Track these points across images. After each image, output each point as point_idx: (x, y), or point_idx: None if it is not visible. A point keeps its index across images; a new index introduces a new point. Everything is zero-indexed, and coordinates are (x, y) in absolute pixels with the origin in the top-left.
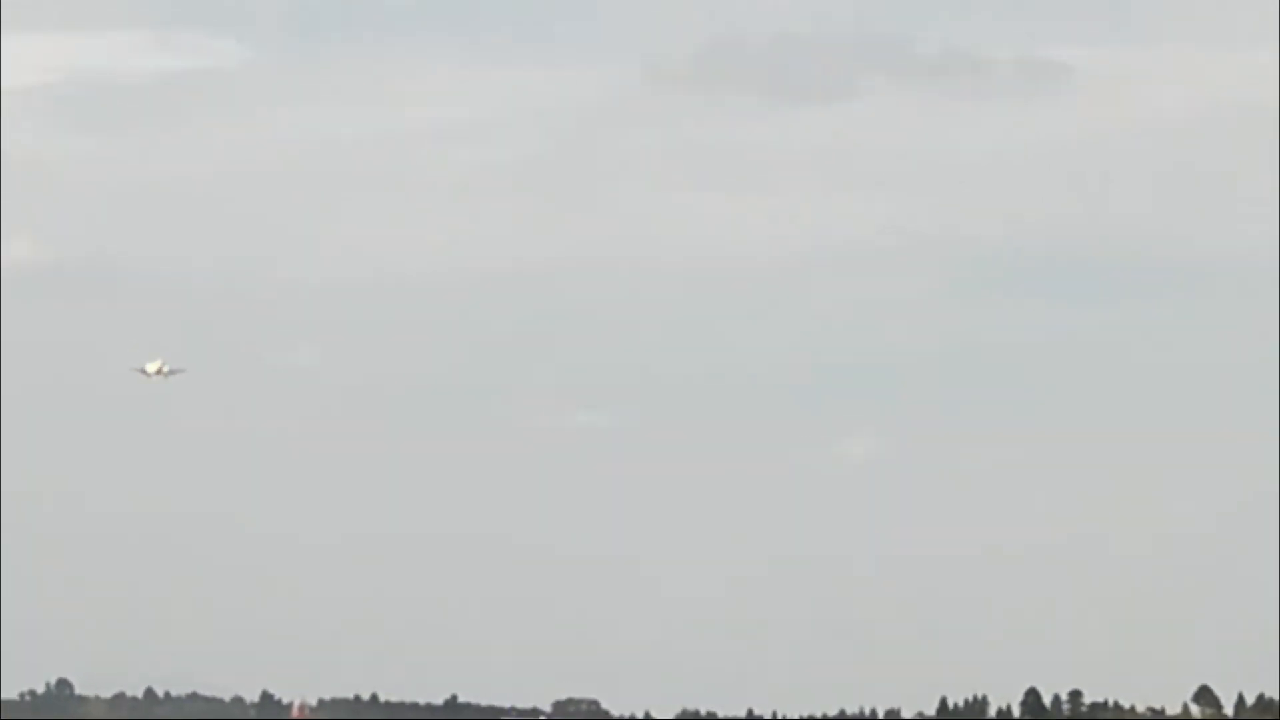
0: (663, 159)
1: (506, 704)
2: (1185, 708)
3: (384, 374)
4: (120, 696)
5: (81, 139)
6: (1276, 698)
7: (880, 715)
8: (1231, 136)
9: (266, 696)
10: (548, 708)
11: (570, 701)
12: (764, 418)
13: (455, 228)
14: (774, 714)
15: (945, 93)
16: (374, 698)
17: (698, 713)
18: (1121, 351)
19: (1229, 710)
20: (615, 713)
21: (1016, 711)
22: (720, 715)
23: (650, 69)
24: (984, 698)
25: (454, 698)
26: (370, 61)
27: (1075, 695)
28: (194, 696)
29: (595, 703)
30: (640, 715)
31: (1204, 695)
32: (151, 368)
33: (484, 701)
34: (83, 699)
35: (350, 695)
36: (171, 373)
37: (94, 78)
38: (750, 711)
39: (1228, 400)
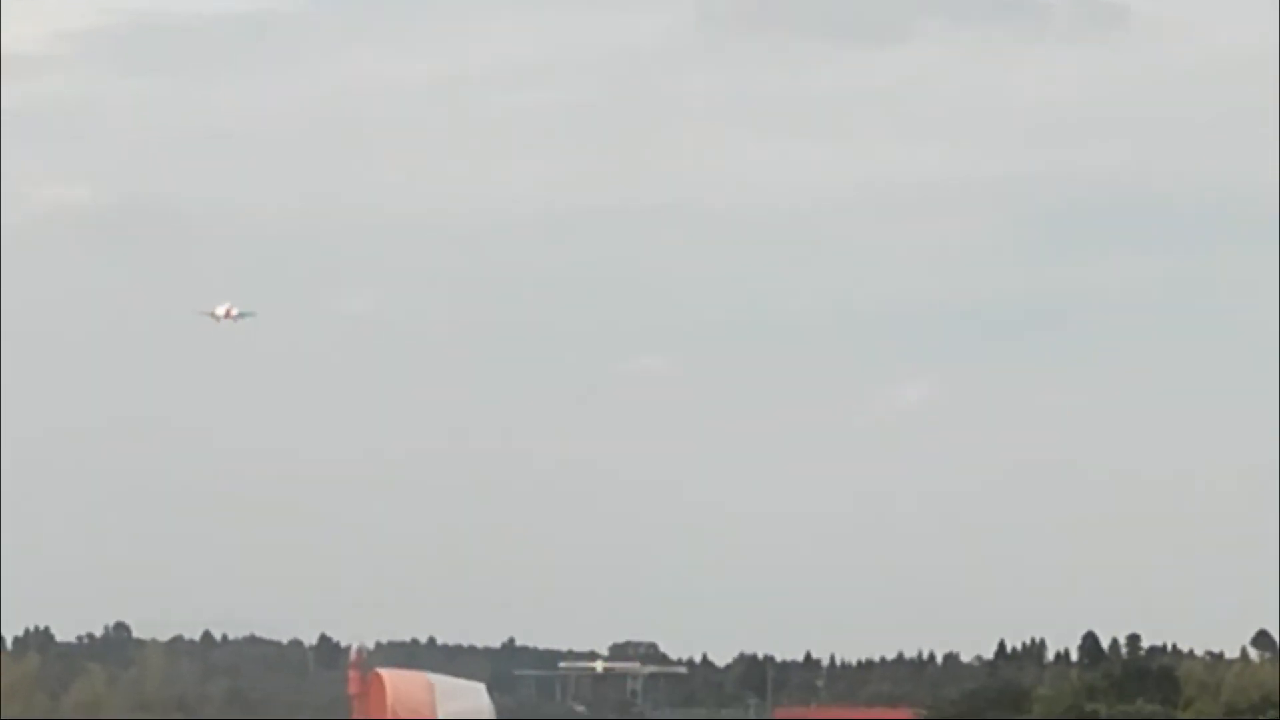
0: (719, 103)
1: (564, 647)
2: (1244, 651)
3: (443, 317)
4: (178, 639)
5: (140, 81)
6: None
7: (938, 658)
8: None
9: (325, 640)
10: (605, 651)
11: (629, 644)
12: (820, 362)
13: (514, 170)
14: (831, 657)
15: (1003, 35)
16: (431, 641)
17: (755, 656)
18: (1185, 301)
19: None
20: (673, 656)
21: (1074, 655)
22: (778, 658)
23: (705, 13)
24: (1042, 641)
25: (511, 641)
26: (424, 6)
27: (1133, 639)
28: (252, 639)
29: (653, 645)
30: (698, 659)
31: (1262, 639)
32: (220, 310)
33: (541, 645)
34: (140, 642)
35: (408, 639)
36: (241, 316)
37: (152, 20)
38: (809, 655)
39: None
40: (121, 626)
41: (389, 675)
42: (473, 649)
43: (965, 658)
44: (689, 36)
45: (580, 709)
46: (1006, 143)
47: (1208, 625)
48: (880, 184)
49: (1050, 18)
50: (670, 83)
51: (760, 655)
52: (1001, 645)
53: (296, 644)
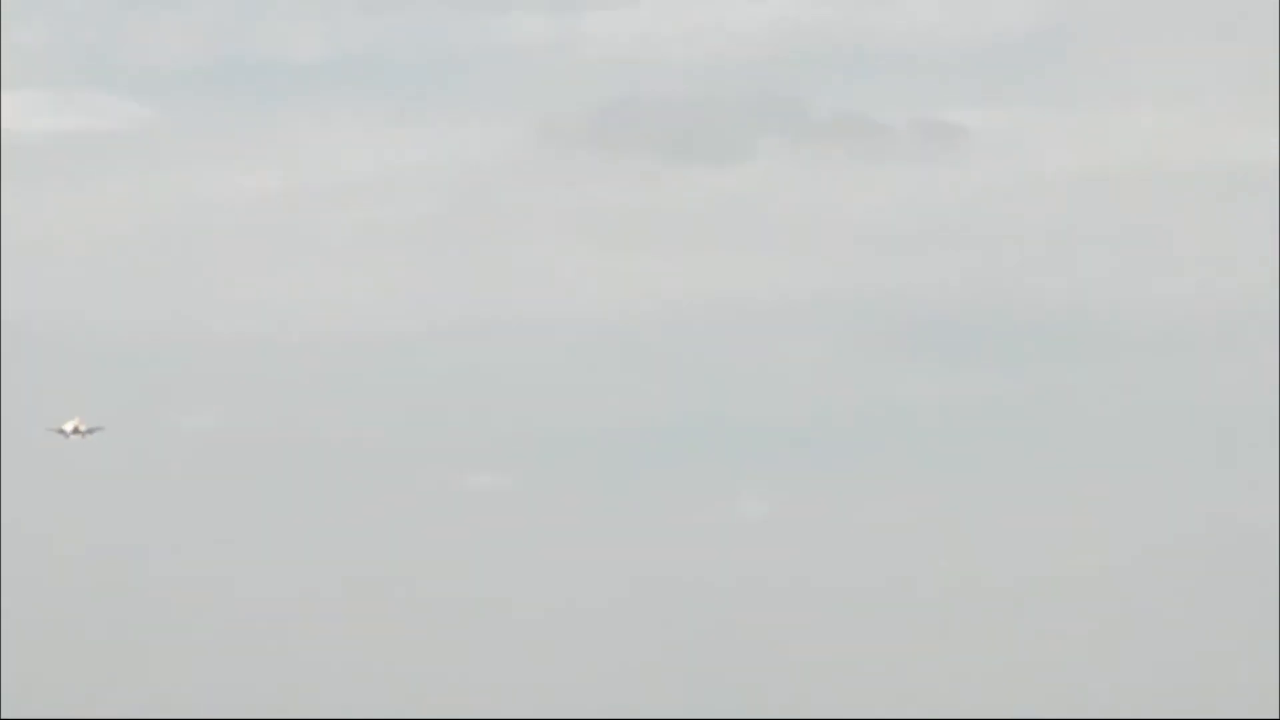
0: (560, 218)
1: None
2: None
3: (285, 434)
4: None
5: None
6: None
7: None
8: (1132, 197)
9: None
10: None
11: None
12: (663, 477)
13: (354, 287)
14: None
15: (842, 154)
16: None
17: None
18: (1022, 413)
19: None
20: None
21: None
22: None
23: (546, 128)
24: None
25: None
26: (269, 121)
27: None
28: None
29: None
30: None
31: None
32: (69, 426)
33: None
34: None
35: None
36: (90, 431)
37: None
38: None
39: (1132, 459)
40: None
41: None
42: None
43: None
44: (531, 152)
45: None
46: (846, 259)
47: None
48: (719, 299)
49: (889, 137)
50: (511, 198)
51: None
52: None
53: None
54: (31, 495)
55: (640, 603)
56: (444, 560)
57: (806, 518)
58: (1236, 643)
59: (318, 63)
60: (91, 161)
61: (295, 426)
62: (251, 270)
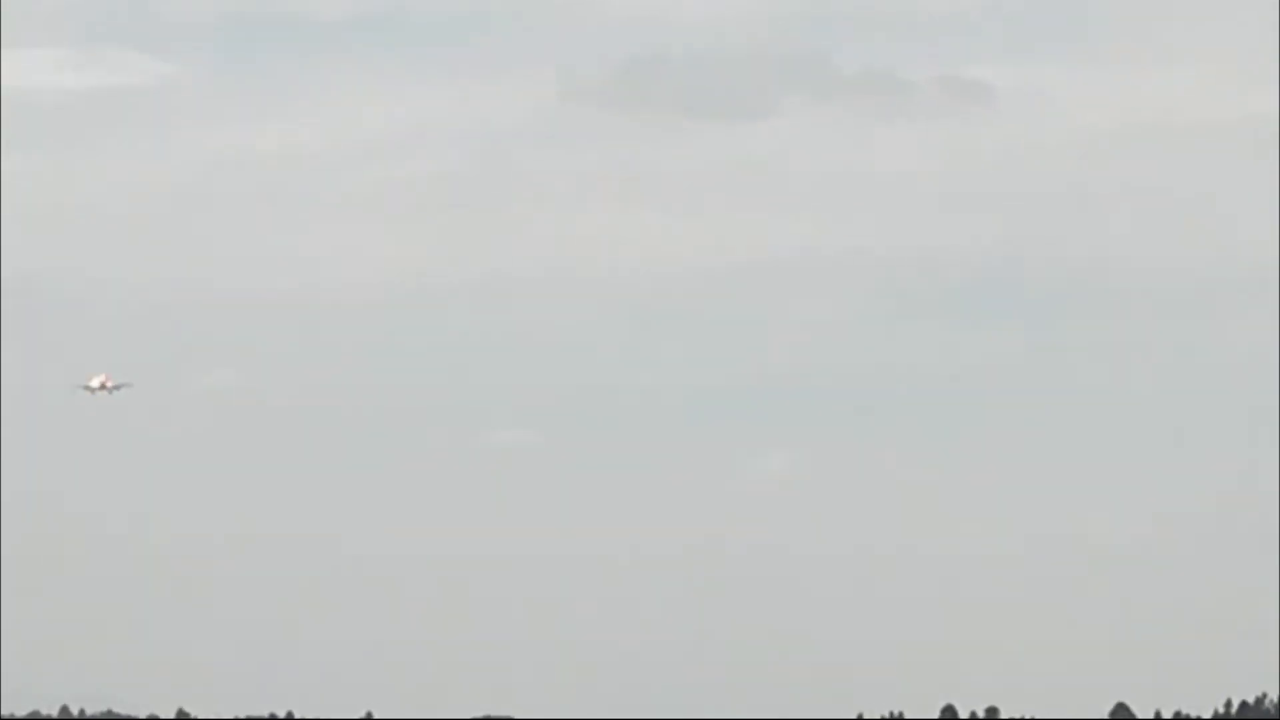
0: (580, 177)
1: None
2: None
3: (306, 391)
4: (35, 715)
5: (3, 158)
6: (1194, 715)
7: None
8: (1154, 156)
9: (182, 714)
10: None
11: (488, 719)
12: (688, 433)
13: (375, 244)
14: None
15: (866, 111)
16: (289, 715)
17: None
18: (1048, 373)
19: None
20: None
21: None
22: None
23: (569, 85)
24: (900, 714)
25: (369, 715)
26: (290, 78)
27: (992, 711)
28: (110, 715)
29: None
30: None
31: (1120, 710)
32: (95, 382)
33: (399, 717)
34: None
35: (265, 714)
36: (116, 388)
37: (15, 97)
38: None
39: (1156, 423)
40: None
41: None
42: None
43: None
44: (553, 108)
45: None
46: (869, 217)
47: (1067, 697)
48: (743, 258)
49: (914, 94)
50: (534, 155)
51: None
52: (860, 718)
53: (154, 719)
54: (49, 453)
55: (662, 557)
56: (468, 514)
57: (830, 474)
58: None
59: (340, 19)
60: (113, 118)
61: (317, 384)
62: (271, 227)
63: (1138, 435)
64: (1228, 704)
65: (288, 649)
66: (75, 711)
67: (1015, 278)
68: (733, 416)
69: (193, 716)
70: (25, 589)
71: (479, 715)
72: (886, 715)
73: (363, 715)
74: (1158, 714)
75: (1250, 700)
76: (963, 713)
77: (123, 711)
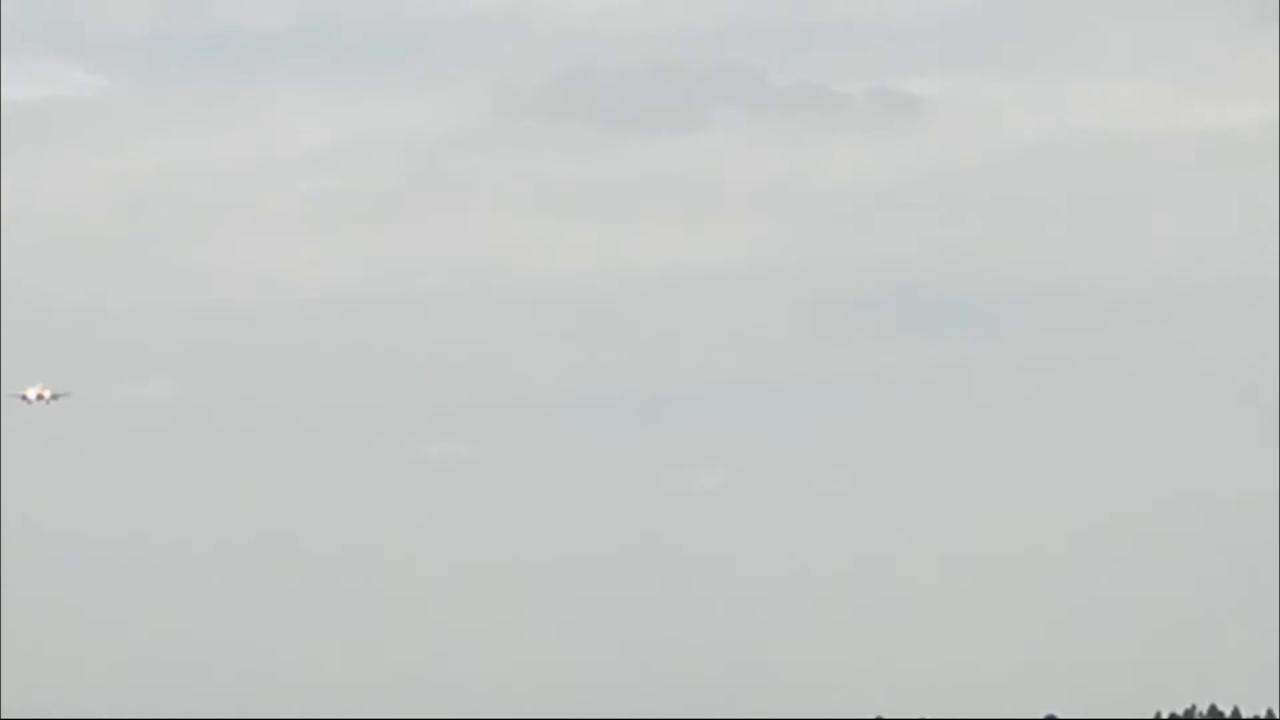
0: (514, 189)
1: None
2: None
3: (243, 401)
4: None
5: None
6: None
7: None
8: (1087, 166)
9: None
10: None
11: None
12: (621, 445)
13: (310, 255)
14: None
15: (799, 124)
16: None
17: None
18: (985, 382)
19: None
20: None
21: None
22: None
23: (502, 98)
24: None
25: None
26: (226, 91)
27: None
28: None
29: None
30: None
31: None
32: (32, 393)
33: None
34: None
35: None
36: (55, 397)
37: None
38: None
39: (1082, 431)
40: None
41: None
42: None
43: None
44: (487, 121)
45: None
46: (802, 228)
47: (1001, 708)
48: (675, 268)
49: (847, 106)
50: (467, 166)
51: None
52: None
53: None
54: None
55: (599, 567)
56: (403, 527)
57: (764, 486)
58: (1201, 615)
59: (275, 32)
60: (48, 130)
61: (251, 394)
62: (205, 238)
63: (1076, 443)
64: (1157, 715)
65: (221, 654)
66: None
67: (951, 288)
68: (667, 428)
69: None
70: None
71: (418, 717)
72: None
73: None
74: None
75: (1179, 713)
76: None
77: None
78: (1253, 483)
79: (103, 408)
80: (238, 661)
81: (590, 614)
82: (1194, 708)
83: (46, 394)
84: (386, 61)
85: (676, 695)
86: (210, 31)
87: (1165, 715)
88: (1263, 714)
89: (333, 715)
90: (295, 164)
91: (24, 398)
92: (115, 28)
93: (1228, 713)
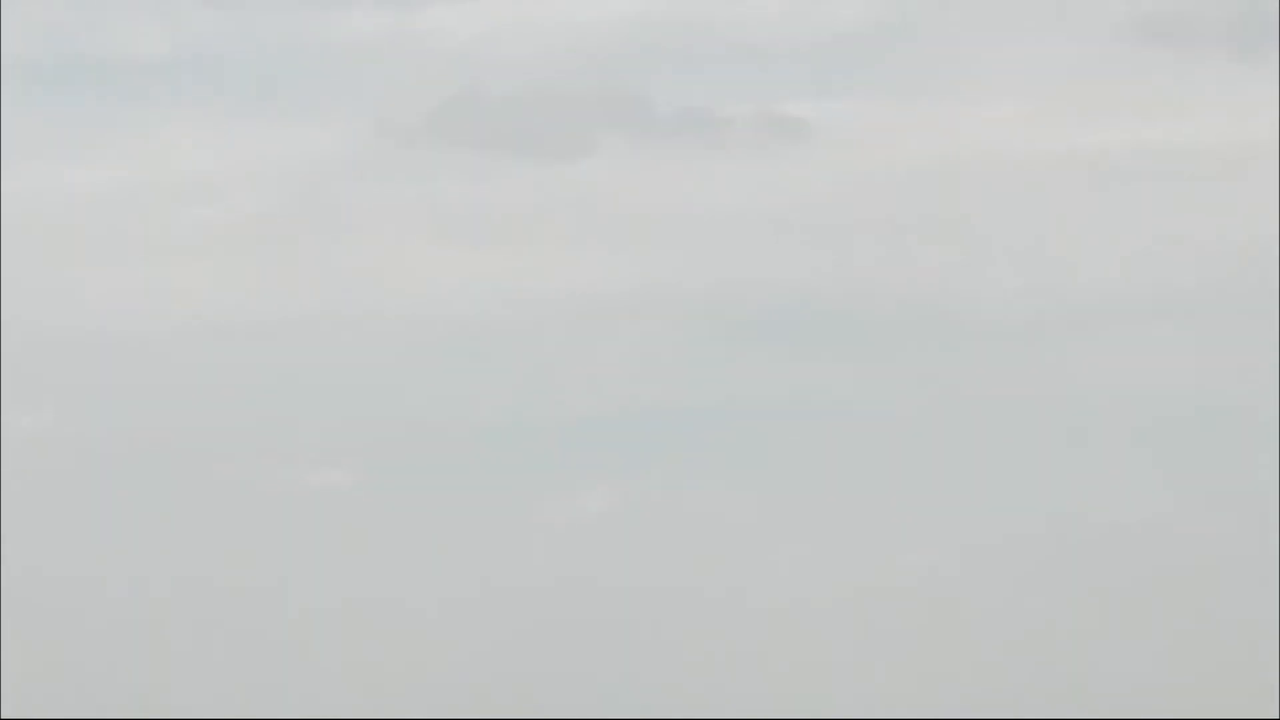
0: (399, 214)
1: None
2: None
3: (121, 433)
4: None
5: None
6: None
7: None
8: (975, 189)
9: None
10: None
11: None
12: (504, 472)
13: (192, 284)
14: None
15: (684, 148)
16: None
17: None
18: (866, 408)
19: None
20: None
21: None
22: None
23: (385, 125)
24: None
25: None
26: (107, 119)
27: None
28: None
29: None
30: None
31: None
32: None
33: None
34: None
35: None
36: None
37: None
38: None
39: (971, 456)
40: None
41: None
42: None
43: None
44: (370, 148)
45: None
46: (688, 253)
47: None
48: (560, 295)
49: (732, 130)
50: (350, 194)
51: None
52: None
53: None
54: None
55: (479, 600)
56: (283, 558)
57: (647, 514)
58: (1076, 642)
59: (157, 60)
60: None
61: (133, 423)
62: (89, 266)
63: (968, 467)
64: None
65: (89, 688)
66: None
67: (837, 311)
68: (551, 453)
69: None
70: None
71: None
72: None
73: None
74: None
75: None
76: None
77: None
78: (1140, 508)
79: None
80: (105, 696)
81: (474, 644)
82: None
83: None
84: (269, 88)
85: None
86: (93, 58)
87: None
88: None
89: None
90: (177, 191)
91: None
92: None
93: None
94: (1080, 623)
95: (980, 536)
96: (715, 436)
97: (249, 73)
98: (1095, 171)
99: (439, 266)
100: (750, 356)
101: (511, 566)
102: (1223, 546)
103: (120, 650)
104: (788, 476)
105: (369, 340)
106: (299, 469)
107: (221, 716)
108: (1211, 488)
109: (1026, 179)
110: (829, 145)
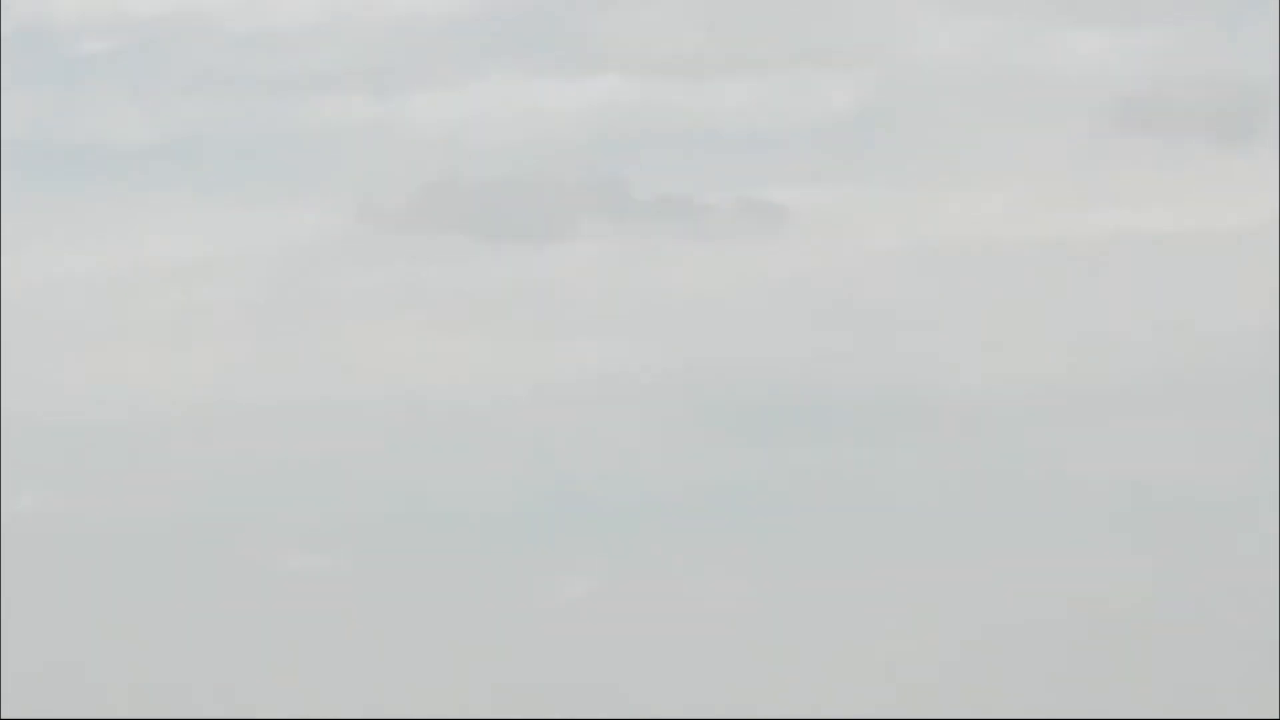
0: (382, 300)
1: None
2: None
3: (103, 517)
4: None
5: None
6: None
7: None
8: (954, 276)
9: None
10: None
11: None
12: (487, 559)
13: (174, 370)
14: None
15: (663, 234)
16: None
17: None
18: (848, 493)
19: None
20: None
21: None
22: None
23: (368, 210)
24: None
25: None
26: (89, 205)
27: None
28: None
29: None
30: None
31: None
32: None
33: None
34: None
35: None
36: None
37: None
38: None
39: (946, 542)
40: None
41: None
42: None
43: None
44: (353, 233)
45: None
46: (667, 338)
47: None
48: (542, 380)
49: (712, 217)
50: (333, 279)
51: None
52: None
53: None
54: None
55: (463, 683)
56: (262, 640)
57: (630, 599)
58: None
59: (138, 146)
60: None
61: (114, 509)
62: (71, 352)
63: (942, 552)
64: None
65: None
66: None
67: (816, 397)
68: (534, 541)
69: None
70: None
71: None
72: None
73: None
74: None
75: None
76: None
77: None
78: (1123, 590)
79: None
80: None
81: None
82: None
83: None
84: (250, 173)
85: None
86: (75, 144)
87: None
88: None
89: None
90: (160, 277)
91: None
92: None
93: None
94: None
95: (958, 626)
96: (693, 521)
97: (230, 158)
98: (1077, 259)
99: (419, 350)
100: (728, 441)
101: (493, 650)
102: (1214, 636)
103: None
104: (769, 562)
105: (350, 425)
106: (281, 554)
107: None
108: (1201, 574)
109: (1005, 266)
110: (808, 232)
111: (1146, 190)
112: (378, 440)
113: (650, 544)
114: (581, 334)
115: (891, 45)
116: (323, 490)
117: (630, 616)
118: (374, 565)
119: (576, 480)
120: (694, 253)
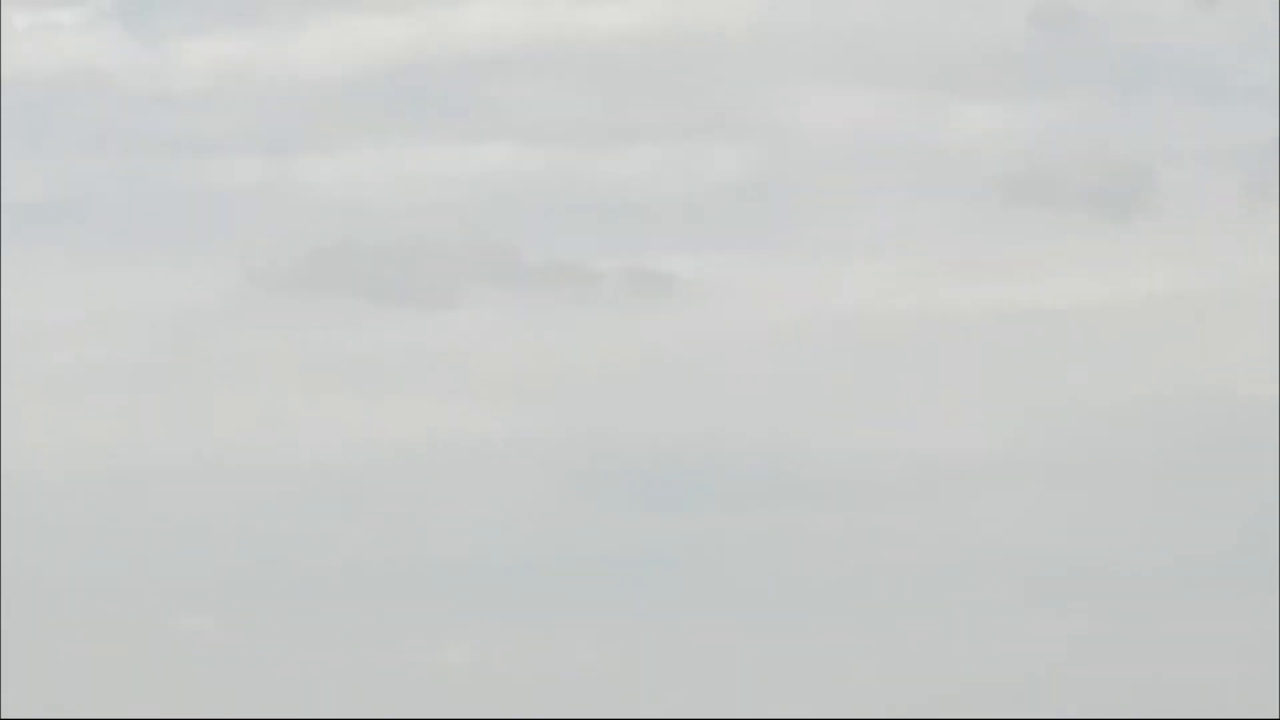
0: (268, 362)
1: None
2: None
3: None
4: None
5: None
6: None
7: None
8: (845, 347)
9: None
10: None
11: None
12: (368, 621)
13: (57, 430)
14: None
15: (552, 301)
16: None
17: None
18: (733, 560)
19: None
20: None
21: None
22: None
23: (255, 272)
24: None
25: None
26: None
27: None
28: None
29: None
30: None
31: None
32: None
33: None
34: None
35: None
36: None
37: None
38: None
39: (846, 613)
40: None
41: None
42: None
43: None
44: (240, 295)
45: None
46: (553, 404)
47: None
48: (427, 443)
49: (600, 284)
50: (219, 341)
51: None
52: None
53: None
54: None
55: None
56: (148, 700)
57: (511, 662)
58: None
59: (26, 203)
60: None
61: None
62: None
63: (829, 624)
64: None
65: None
66: None
67: (697, 467)
68: (417, 604)
69: None
70: None
71: None
72: None
73: None
74: None
75: None
76: None
77: None
78: (1026, 667)
79: None
80: None
81: None
82: None
83: None
84: (138, 234)
85: None
86: None
87: None
88: None
89: None
90: (45, 338)
91: None
92: None
93: None
94: None
95: (832, 700)
96: (580, 587)
97: (119, 217)
98: (965, 330)
99: (305, 414)
100: (616, 509)
101: (373, 712)
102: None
103: None
104: (653, 630)
105: (235, 487)
106: (165, 614)
107: None
108: (1099, 641)
109: (895, 337)
110: (697, 300)
111: (1029, 263)
112: (261, 502)
113: (530, 609)
114: (468, 399)
115: (782, 117)
116: (205, 552)
117: (505, 682)
118: (257, 628)
119: (461, 545)
120: (583, 320)
